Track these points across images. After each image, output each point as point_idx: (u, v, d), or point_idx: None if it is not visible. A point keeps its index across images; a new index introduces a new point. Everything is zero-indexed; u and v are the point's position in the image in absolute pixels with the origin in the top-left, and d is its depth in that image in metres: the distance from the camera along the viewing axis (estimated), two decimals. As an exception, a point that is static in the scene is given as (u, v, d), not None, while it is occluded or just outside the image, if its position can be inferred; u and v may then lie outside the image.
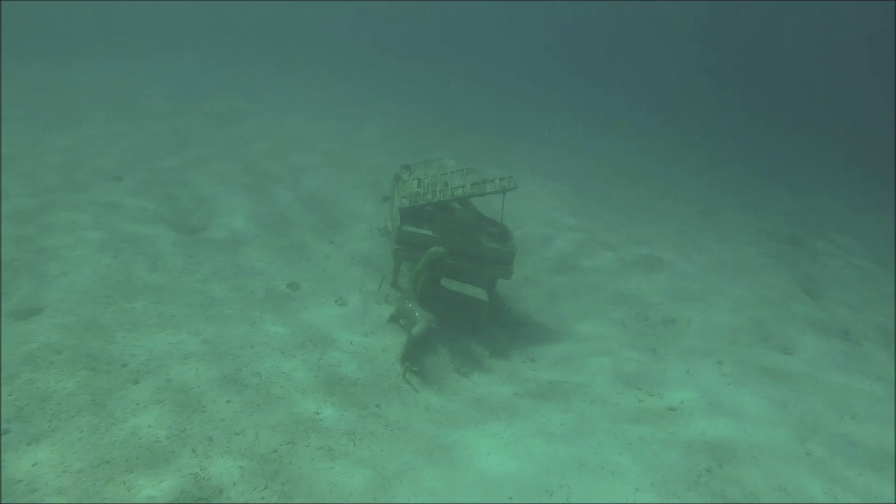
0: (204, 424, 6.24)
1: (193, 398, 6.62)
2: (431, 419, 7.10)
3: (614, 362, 9.17)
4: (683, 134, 26.87)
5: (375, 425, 6.73)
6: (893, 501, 5.45)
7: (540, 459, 6.54)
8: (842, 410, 8.40)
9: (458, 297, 9.39)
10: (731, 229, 15.97)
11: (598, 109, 30.08)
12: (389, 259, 10.86)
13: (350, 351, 8.18)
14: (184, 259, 9.85)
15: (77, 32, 25.24)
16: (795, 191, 21.39)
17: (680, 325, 10.44)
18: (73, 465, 5.58)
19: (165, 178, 12.77)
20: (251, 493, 5.44)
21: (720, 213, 17.33)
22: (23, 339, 7.17)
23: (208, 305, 8.74)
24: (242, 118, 18.60)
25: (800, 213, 18.72)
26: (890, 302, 12.92)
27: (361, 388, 7.40)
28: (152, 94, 19.27)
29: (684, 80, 38.47)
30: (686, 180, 20.40)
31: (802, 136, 30.40)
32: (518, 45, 42.28)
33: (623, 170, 20.29)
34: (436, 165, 11.41)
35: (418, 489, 5.83)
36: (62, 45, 23.61)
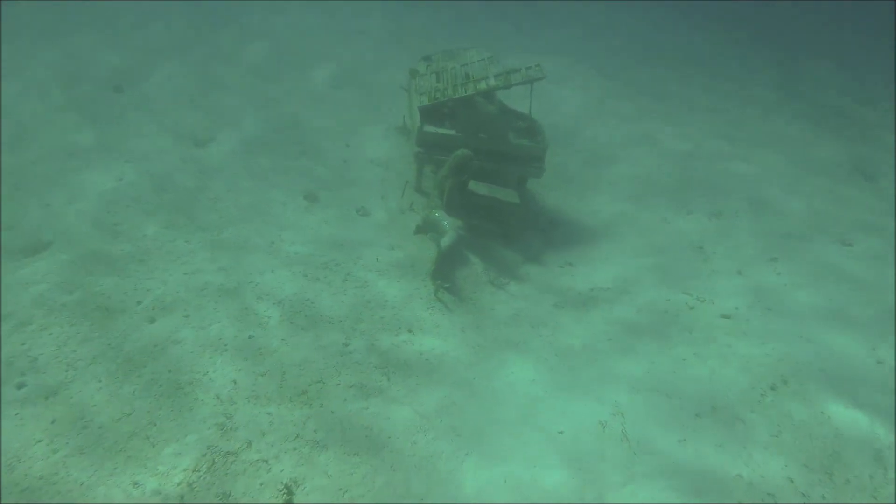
0: (226, 365, 5.84)
1: (213, 336, 6.20)
2: (467, 342, 6.64)
3: (658, 263, 8.57)
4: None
5: (409, 354, 6.29)
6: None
7: (588, 384, 6.09)
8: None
9: (488, 201, 8.73)
10: (775, 105, 14.82)
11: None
12: (410, 160, 10.13)
13: (376, 269, 7.66)
14: (193, 176, 9.24)
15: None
16: (839, 61, 19.79)
17: (726, 217, 9.71)
18: (93, 420, 5.23)
19: (166, 88, 11.92)
20: (282, 444, 5.07)
21: (763, 88, 16.07)
22: (31, 280, 6.74)
23: (223, 226, 8.21)
24: (238, 15, 17.33)
25: (845, 84, 17.32)
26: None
27: (391, 312, 6.92)
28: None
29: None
30: (719, 54, 18.92)
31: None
32: None
33: (650, 46, 18.84)
34: (456, 56, 10.42)
35: (459, 428, 5.43)
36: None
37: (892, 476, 5.16)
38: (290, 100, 12.13)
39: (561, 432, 5.43)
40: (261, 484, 4.76)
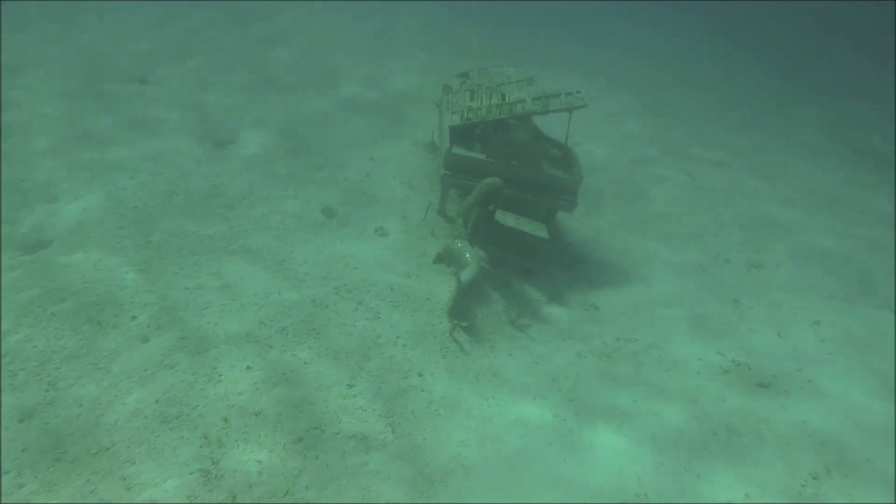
0: (218, 401, 5.35)
1: (208, 364, 5.73)
2: (483, 393, 6.12)
3: (690, 316, 7.99)
4: (747, 33, 24.16)
5: (417, 402, 5.78)
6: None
7: (608, 458, 5.54)
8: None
9: (515, 233, 8.20)
10: (815, 145, 14.17)
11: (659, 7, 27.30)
12: (436, 180, 9.65)
13: (390, 300, 7.16)
14: (208, 181, 8.81)
15: None
16: (875, 98, 19.05)
17: (766, 270, 9.12)
18: (67, 451, 4.77)
19: (190, 83, 11.52)
20: (269, 500, 4.57)
21: (799, 125, 15.43)
22: (24, 283, 6.31)
23: (233, 238, 7.76)
24: (270, 14, 16.94)
25: (888, 129, 16.60)
26: None
27: (402, 351, 6.42)
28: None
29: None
30: (757, 87, 18.29)
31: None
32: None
33: (687, 73, 18.25)
34: (491, 74, 9.93)
35: (467, 496, 4.90)
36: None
37: None
38: (316, 106, 11.70)
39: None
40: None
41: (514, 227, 8.19)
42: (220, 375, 5.66)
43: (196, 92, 11.25)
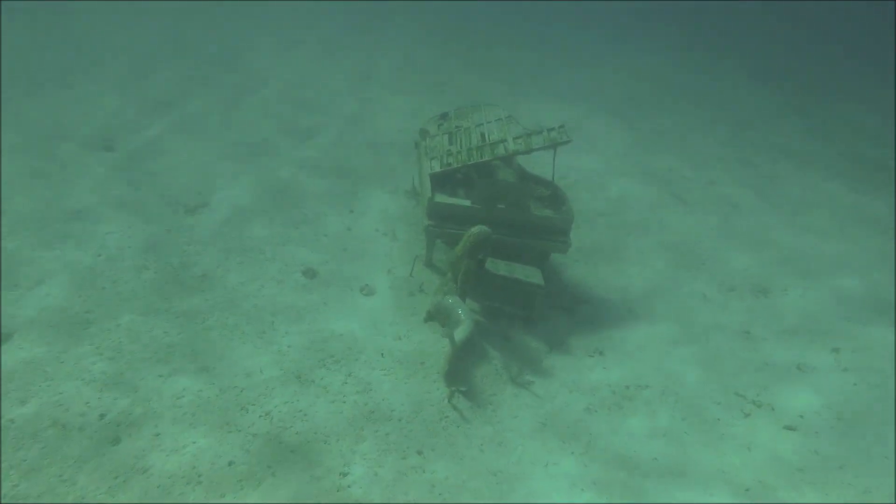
0: (199, 508, 4.80)
1: (187, 465, 5.19)
2: (489, 467, 5.60)
3: (701, 353, 7.54)
4: (728, 40, 24.09)
5: (419, 488, 5.25)
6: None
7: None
8: None
9: (508, 282, 7.74)
10: (808, 157, 13.87)
11: (630, 18, 27.30)
12: (420, 230, 9.20)
13: (381, 367, 6.66)
14: (179, 251, 8.31)
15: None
16: (869, 104, 18.90)
17: (774, 296, 8.69)
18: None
19: (157, 146, 11.07)
20: None
21: (789, 137, 15.17)
22: (-22, 386, 5.76)
23: (209, 312, 7.25)
24: (237, 60, 16.59)
25: (881, 132, 16.39)
26: None
27: (398, 426, 5.90)
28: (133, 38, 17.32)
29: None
30: (742, 98, 18.08)
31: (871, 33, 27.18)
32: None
33: (670, 88, 18.03)
34: (469, 114, 9.55)
35: None
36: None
37: None
38: (290, 159, 11.27)
39: None
40: None
41: (507, 276, 7.74)
42: (200, 476, 5.12)
43: (165, 155, 10.78)
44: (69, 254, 7.82)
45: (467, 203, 8.19)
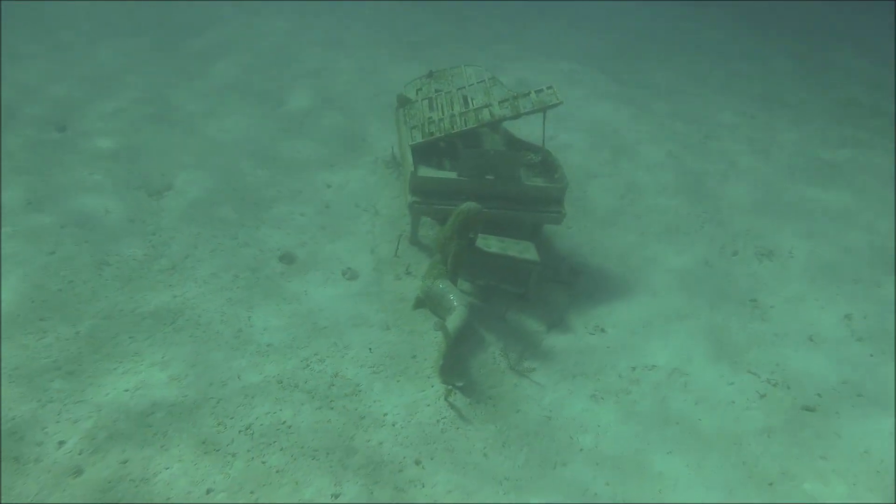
0: (175, 549, 4.29)
1: (158, 496, 4.66)
2: (495, 474, 5.16)
3: (708, 327, 7.10)
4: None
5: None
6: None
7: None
8: None
9: (501, 259, 7.21)
10: (805, 107, 13.31)
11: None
12: (403, 204, 8.61)
13: (370, 364, 6.15)
14: (144, 241, 7.66)
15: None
16: (861, 47, 18.25)
17: (779, 258, 8.24)
18: None
19: (115, 124, 10.25)
20: None
21: (779, 83, 14.57)
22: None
23: (178, 311, 6.66)
24: (204, 26, 15.54)
25: (873, 75, 15.80)
26: None
27: (392, 433, 5.42)
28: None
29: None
30: (732, 44, 17.39)
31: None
32: None
33: (655, 39, 17.28)
34: (449, 76, 8.86)
35: None
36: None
37: None
38: (262, 130, 10.51)
39: None
40: None
41: (500, 253, 7.21)
42: (174, 507, 4.60)
43: (124, 134, 9.98)
44: (18, 252, 7.13)
45: (453, 175, 7.60)
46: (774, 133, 11.61)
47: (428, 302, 6.82)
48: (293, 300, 7.05)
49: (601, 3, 19.72)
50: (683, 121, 11.89)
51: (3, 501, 4.14)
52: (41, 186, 8.38)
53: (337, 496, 4.77)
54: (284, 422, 5.40)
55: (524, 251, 7.29)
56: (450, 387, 5.83)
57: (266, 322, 6.66)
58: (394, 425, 5.50)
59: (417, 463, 5.16)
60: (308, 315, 6.82)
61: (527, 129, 9.28)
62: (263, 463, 5.01)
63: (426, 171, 7.66)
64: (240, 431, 5.28)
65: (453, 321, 6.26)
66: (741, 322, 7.13)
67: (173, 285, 7.06)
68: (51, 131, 10.04)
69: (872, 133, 12.01)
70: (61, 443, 5.03)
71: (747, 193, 9.58)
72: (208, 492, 4.74)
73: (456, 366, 6.12)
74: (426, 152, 8.08)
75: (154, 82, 11.88)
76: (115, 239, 7.62)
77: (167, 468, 4.90)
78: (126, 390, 5.60)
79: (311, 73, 13.01)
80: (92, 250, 7.38)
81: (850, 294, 7.48)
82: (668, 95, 13.28)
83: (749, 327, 7.04)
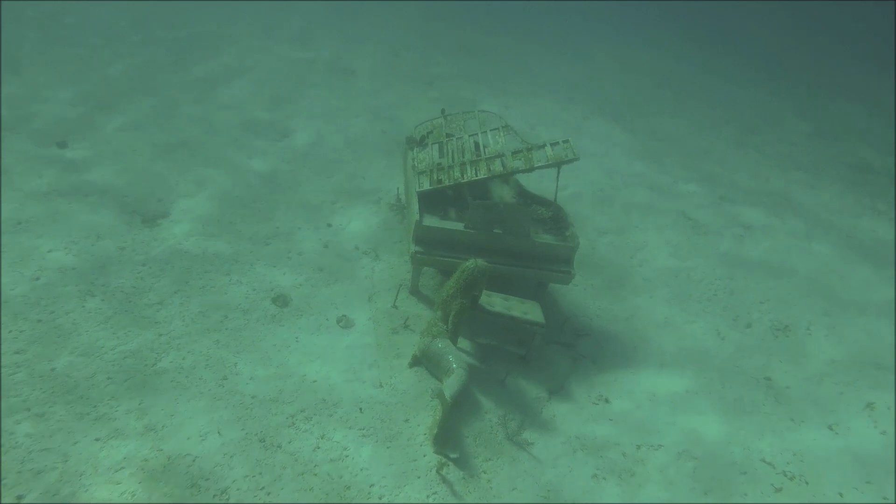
0: None
1: (119, 569, 4.24)
2: (485, 564, 4.71)
3: (719, 405, 6.73)
4: (722, 36, 23.21)
5: None
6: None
7: None
8: None
9: (505, 319, 6.87)
10: (817, 166, 13.06)
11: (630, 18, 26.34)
12: (404, 251, 8.30)
13: (359, 427, 5.76)
14: (133, 272, 7.32)
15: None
16: (870, 106, 18.12)
17: (795, 334, 7.89)
18: None
19: (115, 145, 9.98)
20: None
21: (795, 143, 14.34)
22: None
23: (161, 351, 6.29)
24: (212, 51, 15.40)
25: (883, 137, 15.60)
26: None
27: (378, 507, 5.00)
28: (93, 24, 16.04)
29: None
30: (742, 95, 17.23)
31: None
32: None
33: (665, 85, 17.13)
34: (461, 120, 8.60)
35: None
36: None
37: None
38: (262, 162, 10.23)
39: None
40: None
41: (505, 313, 6.86)
42: (135, 583, 4.17)
43: (123, 155, 9.70)
44: (6, 272, 6.78)
45: (460, 227, 7.28)
46: (788, 196, 11.33)
47: (425, 361, 6.46)
48: (283, 348, 6.69)
49: (612, 47, 19.66)
50: (696, 180, 11.62)
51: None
52: (33, 205, 8.05)
53: (313, 581, 4.36)
54: (264, 488, 5.00)
55: (529, 312, 6.95)
56: (443, 460, 5.43)
57: (253, 371, 6.29)
58: (381, 498, 5.10)
59: (404, 546, 4.75)
60: (297, 366, 6.46)
61: (537, 180, 9.00)
62: (237, 537, 4.60)
63: (432, 221, 7.35)
64: (215, 495, 4.87)
65: (451, 387, 5.90)
66: (754, 403, 6.77)
67: (159, 322, 6.70)
68: (51, 146, 9.75)
69: (888, 202, 11.73)
70: (20, 497, 4.62)
71: (761, 262, 9.26)
72: (173, 567, 4.32)
73: (450, 434, 5.73)
74: (433, 199, 7.79)
75: (162, 103, 11.62)
76: (102, 269, 7.27)
77: (131, 537, 4.48)
78: (97, 439, 5.20)
79: (317, 105, 12.78)
80: (78, 279, 7.02)
81: (871, 381, 7.11)
82: (678, 150, 13.02)
83: (762, 409, 6.68)
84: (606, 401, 6.80)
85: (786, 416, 6.58)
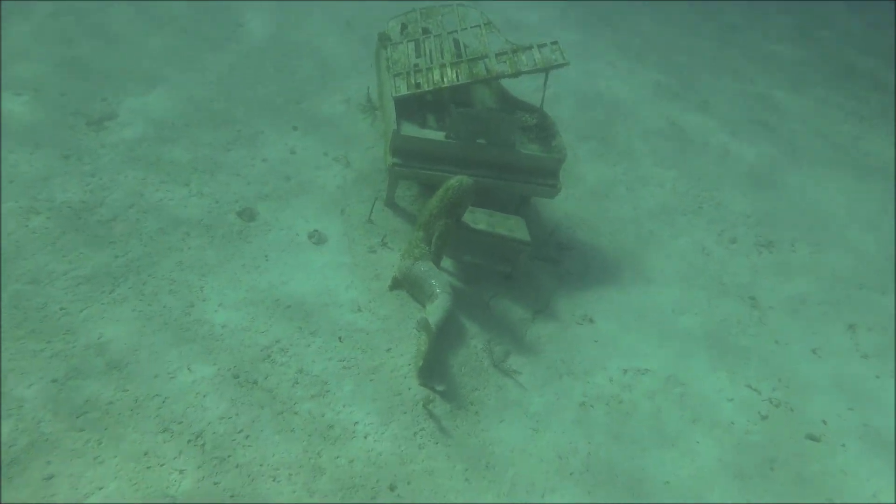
0: None
1: (90, 527, 3.95)
2: (477, 505, 4.58)
3: (706, 327, 6.63)
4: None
5: (395, 549, 4.20)
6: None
7: None
8: None
9: (489, 237, 6.51)
10: (798, 71, 12.61)
11: None
12: (379, 157, 7.79)
13: (339, 358, 5.47)
14: (80, 185, 6.66)
15: None
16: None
17: (780, 250, 7.74)
18: None
19: (48, 33, 8.87)
20: None
21: (776, 41, 13.78)
22: None
23: (119, 276, 5.79)
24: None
25: (865, 35, 15.10)
26: None
27: (362, 446, 4.83)
28: None
29: None
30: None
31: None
32: None
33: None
34: (438, 15, 7.83)
35: None
36: None
37: None
38: (220, 56, 9.30)
39: None
40: None
41: (489, 231, 6.49)
42: (109, 542, 3.90)
43: (56, 46, 8.64)
44: (-71, 193, 6.07)
45: (441, 137, 6.74)
46: (774, 104, 10.95)
47: (406, 284, 6.11)
48: (252, 268, 6.23)
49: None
50: (679, 82, 11.09)
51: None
52: (-42, 108, 7.17)
53: (301, 531, 4.14)
54: (241, 430, 4.70)
55: (515, 229, 6.59)
56: (430, 395, 5.19)
57: (221, 295, 5.85)
58: (366, 437, 4.86)
59: (392, 489, 4.56)
60: (269, 289, 6.03)
61: (518, 80, 8.36)
62: (216, 484, 4.33)
63: (411, 130, 6.79)
64: (189, 441, 4.56)
65: (435, 313, 5.59)
66: (740, 324, 6.67)
67: (115, 241, 6.15)
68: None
69: (873, 110, 11.46)
70: (-31, 453, 4.23)
71: (747, 174, 8.98)
72: (147, 525, 4.04)
73: (436, 365, 5.47)
74: (409, 104, 7.18)
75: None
76: (44, 181, 6.57)
77: (101, 488, 4.18)
78: (54, 380, 4.77)
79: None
80: (18, 193, 6.33)
81: (853, 301, 7.04)
82: (659, 51, 12.34)
83: (748, 331, 6.59)
84: (591, 320, 6.61)
85: (770, 339, 6.50)
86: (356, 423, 4.95)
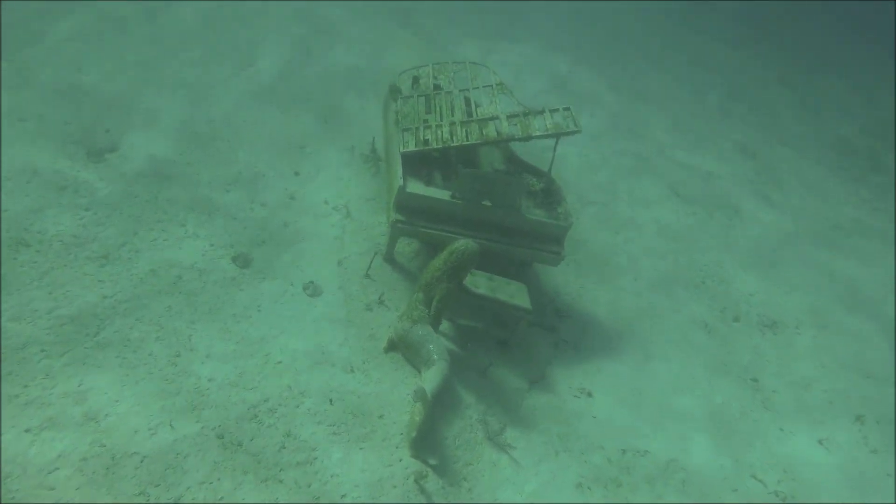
0: None
1: None
2: None
3: (707, 409, 6.45)
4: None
5: None
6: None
7: None
8: None
9: (490, 303, 6.34)
10: (802, 143, 12.71)
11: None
12: (379, 208, 7.65)
13: (329, 422, 5.23)
14: (74, 219, 6.45)
15: None
16: (850, 79, 17.80)
17: (784, 332, 7.61)
18: None
19: (58, 60, 8.76)
20: None
21: (779, 114, 13.93)
22: None
23: (106, 318, 5.54)
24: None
25: (867, 115, 15.35)
26: None
27: (350, 524, 4.50)
28: None
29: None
30: (728, 59, 16.64)
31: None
32: None
33: (653, 46, 16.41)
34: (450, 72, 7.79)
35: None
36: None
37: None
38: (224, 95, 9.20)
39: None
40: None
41: (490, 296, 6.32)
42: None
43: (66, 73, 8.52)
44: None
45: (446, 196, 6.61)
46: (777, 177, 10.98)
47: (402, 347, 5.90)
48: (243, 318, 6.01)
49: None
50: (684, 147, 11.12)
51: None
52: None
53: None
54: (222, 498, 4.42)
55: (516, 296, 6.43)
56: (422, 469, 4.94)
57: (210, 346, 5.62)
58: (354, 512, 4.59)
59: (377, 574, 4.27)
60: (260, 342, 5.81)
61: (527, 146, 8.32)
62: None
63: (416, 187, 6.66)
64: (166, 506, 4.27)
65: (432, 381, 5.38)
66: (742, 408, 6.50)
67: (104, 281, 5.93)
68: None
69: (873, 192, 11.52)
70: (-70, 505, 3.93)
71: (752, 248, 8.92)
72: None
73: (429, 438, 5.23)
74: (415, 159, 7.07)
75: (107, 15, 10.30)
76: (38, 212, 6.37)
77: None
78: (27, 430, 4.50)
79: (287, 34, 11.63)
80: (9, 224, 6.12)
81: (860, 391, 6.89)
82: (665, 112, 12.42)
83: (751, 416, 6.42)
84: (589, 394, 6.42)
85: (774, 425, 6.32)
86: (343, 495, 4.69)
